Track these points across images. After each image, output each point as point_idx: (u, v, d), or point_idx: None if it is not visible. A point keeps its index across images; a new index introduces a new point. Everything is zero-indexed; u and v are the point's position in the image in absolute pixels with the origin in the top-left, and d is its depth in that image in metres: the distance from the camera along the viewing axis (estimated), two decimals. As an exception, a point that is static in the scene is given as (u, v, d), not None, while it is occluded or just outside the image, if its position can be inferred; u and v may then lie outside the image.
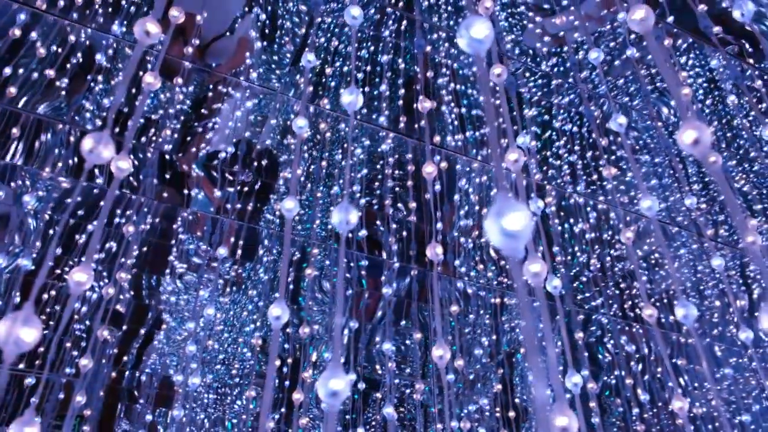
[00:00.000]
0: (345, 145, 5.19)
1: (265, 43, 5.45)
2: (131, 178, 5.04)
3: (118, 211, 5.09)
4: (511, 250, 0.89)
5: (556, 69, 5.72)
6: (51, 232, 5.19)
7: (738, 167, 5.86)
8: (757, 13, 5.13)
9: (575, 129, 5.99)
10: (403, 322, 6.08)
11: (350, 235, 5.71)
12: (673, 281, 6.47)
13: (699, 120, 1.35)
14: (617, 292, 6.65)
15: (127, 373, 5.90)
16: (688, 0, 3.66)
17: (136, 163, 5.05)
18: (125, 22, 4.70)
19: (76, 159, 4.98)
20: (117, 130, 4.68)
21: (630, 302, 6.64)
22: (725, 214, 5.65)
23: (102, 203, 4.89)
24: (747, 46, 5.04)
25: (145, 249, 5.57)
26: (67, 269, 5.21)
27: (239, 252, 5.33)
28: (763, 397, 5.93)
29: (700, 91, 5.36)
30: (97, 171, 4.89)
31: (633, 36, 4.92)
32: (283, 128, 5.52)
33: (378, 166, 5.62)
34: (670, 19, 4.74)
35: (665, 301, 6.87)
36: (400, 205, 5.73)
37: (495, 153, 1.00)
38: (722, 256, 6.02)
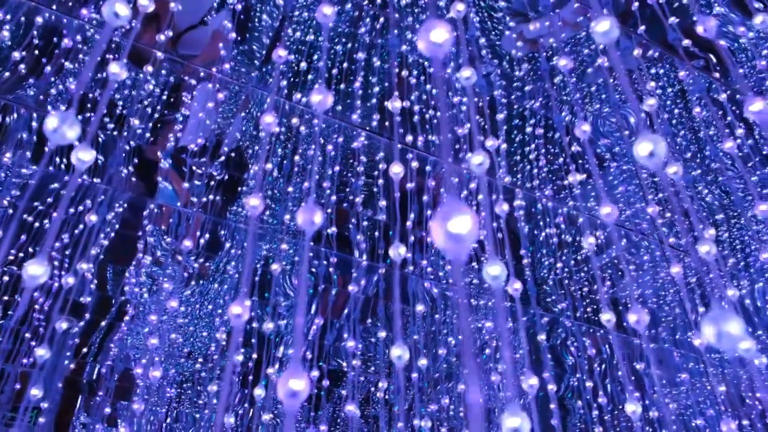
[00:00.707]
0: (319, 141, 5.18)
1: (239, 36, 5.40)
2: (98, 166, 4.94)
3: (88, 202, 4.99)
4: (455, 253, 0.90)
5: (531, 73, 5.78)
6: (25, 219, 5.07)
7: (704, 177, 6.00)
8: (725, 29, 5.26)
9: (547, 133, 6.06)
10: (369, 321, 6.09)
11: (320, 231, 5.70)
12: (636, 287, 6.59)
13: (655, 133, 1.38)
14: (581, 295, 6.76)
15: (87, 365, 5.80)
16: (658, 12, 3.74)
17: (101, 157, 4.96)
18: (94, 7, 4.61)
19: (40, 144, 4.88)
20: (88, 116, 4.59)
21: (594, 306, 6.76)
22: (688, 222, 5.77)
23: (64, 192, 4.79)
24: (714, 59, 5.17)
25: (110, 240, 5.47)
26: (27, 257, 5.10)
27: (206, 245, 5.27)
28: (716, 402, 6.09)
29: (668, 102, 5.47)
30: (58, 159, 4.80)
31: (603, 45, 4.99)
32: (255, 122, 5.48)
33: (353, 164, 5.62)
34: (642, 28, 4.82)
35: (629, 306, 7.00)
36: (374, 204, 5.74)
37: (445, 156, 1.01)
38: (684, 264, 6.17)
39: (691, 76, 3.70)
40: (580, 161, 5.66)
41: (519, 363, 6.21)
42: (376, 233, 5.42)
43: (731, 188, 5.13)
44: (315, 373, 3.98)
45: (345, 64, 5.38)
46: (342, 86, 5.24)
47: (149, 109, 5.29)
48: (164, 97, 5.41)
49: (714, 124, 4.45)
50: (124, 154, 5.16)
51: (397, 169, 2.79)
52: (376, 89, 5.49)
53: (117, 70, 1.85)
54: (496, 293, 1.77)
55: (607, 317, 2.94)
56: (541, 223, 6.41)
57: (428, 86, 5.67)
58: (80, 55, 4.90)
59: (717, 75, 5.17)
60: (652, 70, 5.22)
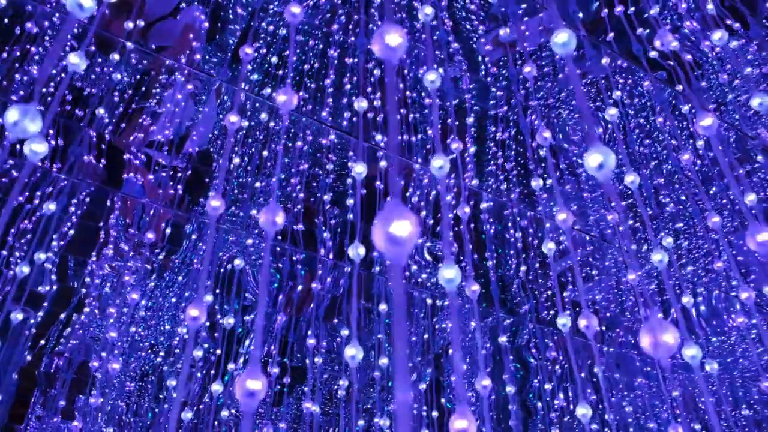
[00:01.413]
0: (288, 136, 5.16)
1: (209, 31, 5.34)
2: (58, 153, 4.84)
3: (49, 191, 4.89)
4: (394, 256, 0.92)
5: (500, 78, 5.85)
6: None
7: (666, 186, 6.13)
8: (689, 40, 5.38)
9: (518, 137, 6.13)
10: (336, 319, 6.09)
11: (287, 227, 5.67)
12: (599, 291, 6.73)
13: (610, 142, 1.41)
14: (546, 298, 6.86)
15: (44, 357, 5.69)
16: (624, 23, 3.81)
17: (60, 143, 4.86)
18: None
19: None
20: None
21: (557, 309, 6.85)
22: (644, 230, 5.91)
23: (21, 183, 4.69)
24: (681, 71, 5.28)
25: (72, 230, 5.37)
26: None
27: (170, 238, 5.21)
28: (670, 406, 6.25)
29: (634, 111, 5.58)
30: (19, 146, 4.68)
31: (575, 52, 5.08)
32: (222, 116, 5.44)
33: (322, 161, 5.61)
34: (611, 35, 4.91)
35: (592, 310, 7.13)
36: (344, 202, 5.73)
37: (392, 160, 1.02)
38: (644, 270, 6.31)
39: (654, 88, 3.79)
40: (547, 166, 5.74)
41: (479, 365, 6.27)
42: (344, 232, 5.43)
43: (690, 198, 5.27)
44: (275, 370, 3.98)
45: (317, 61, 5.36)
46: (312, 83, 5.23)
47: (117, 99, 5.21)
48: (132, 87, 5.33)
49: (673, 135, 4.57)
50: (88, 144, 5.07)
51: (359, 169, 2.80)
52: (348, 87, 5.49)
53: (76, 60, 1.83)
54: (450, 296, 1.80)
55: (563, 321, 3.01)
56: (510, 226, 6.48)
57: (401, 86, 5.70)
58: (46, 39, 4.80)
59: (680, 87, 5.29)
60: (621, 79, 5.32)
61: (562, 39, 1.65)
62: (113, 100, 5.14)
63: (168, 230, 5.51)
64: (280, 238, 5.54)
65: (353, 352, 2.16)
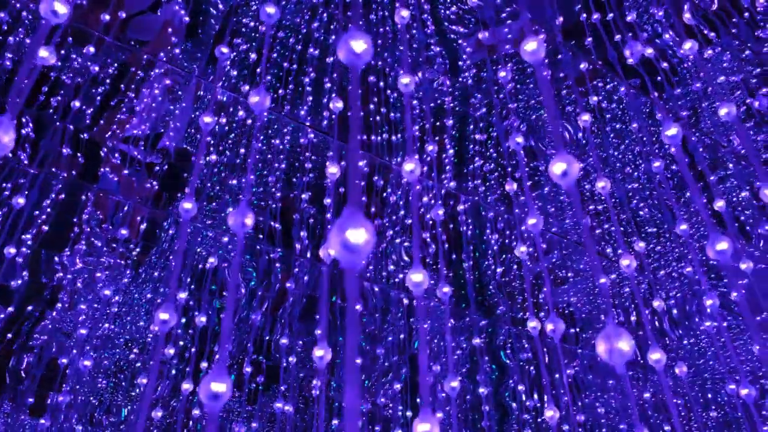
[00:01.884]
0: (266, 134, 5.13)
1: (189, 26, 5.31)
2: (31, 147, 4.78)
3: (21, 182, 4.81)
4: (349, 263, 0.92)
5: (476, 80, 5.88)
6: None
7: (639, 192, 6.23)
8: (669, 47, 5.47)
9: (495, 139, 6.18)
10: (311, 318, 6.08)
11: (264, 226, 5.66)
12: (573, 293, 6.80)
13: (568, 153, 1.44)
14: (522, 300, 6.92)
15: (13, 352, 5.59)
16: (601, 30, 3.86)
17: (28, 135, 4.79)
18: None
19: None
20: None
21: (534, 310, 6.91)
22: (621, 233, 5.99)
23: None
24: (657, 78, 5.37)
25: (44, 225, 5.29)
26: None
27: (144, 235, 5.17)
28: (639, 408, 6.35)
29: (610, 116, 5.66)
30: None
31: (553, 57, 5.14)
32: (199, 113, 5.40)
33: (300, 160, 5.59)
34: (590, 40, 4.97)
35: (567, 312, 7.21)
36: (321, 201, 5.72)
37: (353, 165, 1.03)
38: (616, 274, 6.40)
39: (628, 95, 3.85)
40: (526, 169, 5.79)
41: (454, 366, 6.32)
42: (323, 231, 5.42)
43: (662, 204, 5.36)
44: (248, 369, 3.97)
45: (296, 60, 5.35)
46: (291, 81, 5.21)
47: (93, 92, 5.14)
48: (110, 81, 5.27)
49: (645, 141, 4.64)
50: (61, 137, 5.00)
51: (332, 170, 2.81)
52: (328, 86, 5.48)
53: (45, 54, 1.81)
54: (417, 299, 1.81)
55: (533, 324, 3.04)
56: (488, 227, 6.52)
57: (382, 84, 5.70)
58: (20, 30, 4.73)
59: (656, 94, 5.38)
60: (600, 84, 5.39)
61: (532, 47, 1.68)
62: (89, 93, 5.08)
63: (143, 226, 5.46)
64: (261, 236, 5.53)
65: (321, 353, 2.17)
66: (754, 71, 4.97)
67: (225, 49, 2.41)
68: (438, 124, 6.20)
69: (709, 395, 7.39)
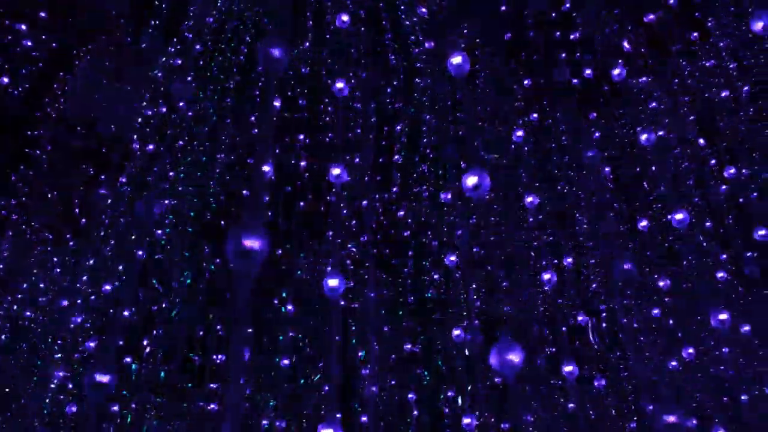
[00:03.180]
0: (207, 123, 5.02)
1: (141, 11, 5.16)
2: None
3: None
4: (243, 267, 0.92)
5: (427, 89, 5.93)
6: None
7: (578, 206, 6.40)
8: (605, 64, 5.64)
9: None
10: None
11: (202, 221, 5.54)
12: (506, 302, 6.93)
13: (481, 168, 1.47)
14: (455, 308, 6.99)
15: None
16: (542, 49, 3.97)
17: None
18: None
19: None
20: None
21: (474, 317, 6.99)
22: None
23: None
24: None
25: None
26: None
27: (76, 220, 4.99)
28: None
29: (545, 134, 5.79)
30: None
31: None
32: (142, 100, 5.24)
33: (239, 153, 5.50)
34: (534, 58, 5.09)
35: (502, 320, 7.34)
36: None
37: (256, 170, 1.03)
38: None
39: (564, 112, 3.96)
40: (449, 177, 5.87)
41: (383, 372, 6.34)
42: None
43: (591, 220, 5.54)
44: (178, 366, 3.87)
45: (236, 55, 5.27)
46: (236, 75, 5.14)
47: (26, 71, 4.93)
48: (49, 61, 5.07)
49: (579, 159, 4.78)
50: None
51: (265, 168, 2.79)
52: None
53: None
54: (332, 303, 1.81)
55: (456, 333, 3.08)
56: (428, 234, 6.58)
57: (329, 82, 5.68)
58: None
59: (595, 114, 5.56)
60: (541, 102, 5.50)
61: (457, 60, 1.72)
62: (22, 71, 4.87)
63: (76, 211, 5.27)
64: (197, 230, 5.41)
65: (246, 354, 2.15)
66: (667, 103, 5.17)
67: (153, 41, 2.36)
68: (387, 128, 6.23)
69: (632, 406, 7.64)
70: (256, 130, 5.28)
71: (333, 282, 1.59)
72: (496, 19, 5.26)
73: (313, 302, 5.88)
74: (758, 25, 1.55)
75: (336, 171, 1.89)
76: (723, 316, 1.82)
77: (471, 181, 1.43)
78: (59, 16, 4.78)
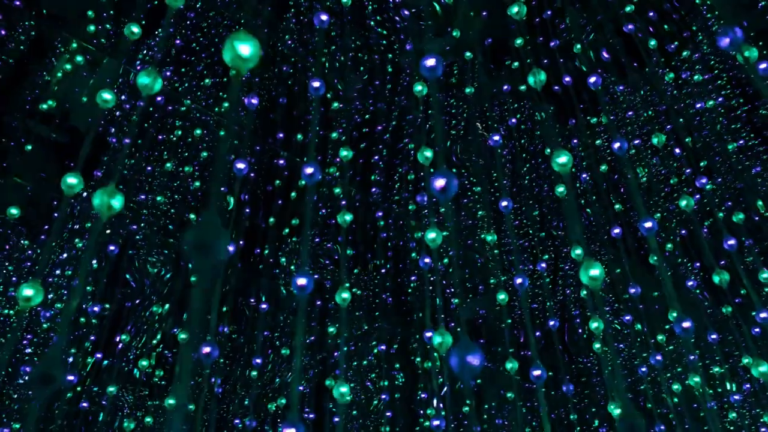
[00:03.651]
0: (180, 120, 4.99)
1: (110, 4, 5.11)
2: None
3: None
4: (202, 264, 0.92)
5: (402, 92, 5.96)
6: None
7: (548, 217, 6.47)
8: (582, 77, 5.71)
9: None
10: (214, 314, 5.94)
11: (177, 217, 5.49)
12: (478, 308, 6.98)
13: (447, 170, 1.48)
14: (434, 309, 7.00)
15: None
16: (521, 55, 3.99)
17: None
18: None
19: None
20: None
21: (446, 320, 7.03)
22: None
23: None
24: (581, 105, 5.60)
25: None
26: None
27: (44, 215, 4.92)
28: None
29: (524, 138, 5.86)
30: None
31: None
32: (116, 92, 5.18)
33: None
34: (516, 64, 5.13)
35: (477, 324, 7.40)
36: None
37: (216, 175, 1.03)
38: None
39: (542, 119, 3.99)
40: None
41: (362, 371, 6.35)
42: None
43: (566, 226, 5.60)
44: (148, 362, 3.83)
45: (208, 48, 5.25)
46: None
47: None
48: (21, 53, 4.99)
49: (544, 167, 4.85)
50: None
51: (240, 166, 2.77)
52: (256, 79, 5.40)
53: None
54: (299, 304, 1.81)
55: (428, 334, 3.09)
56: (408, 235, 6.60)
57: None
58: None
59: (574, 122, 5.63)
60: (516, 104, 5.56)
61: (431, 63, 1.73)
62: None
63: (46, 206, 5.19)
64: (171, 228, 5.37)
65: (208, 350, 2.14)
66: (647, 112, 5.27)
67: (136, 29, 2.33)
68: (367, 130, 6.25)
69: (598, 411, 7.73)
70: (236, 127, 5.25)
71: (301, 281, 1.59)
72: (479, 24, 5.31)
73: (289, 301, 5.87)
74: (725, 41, 1.58)
75: (309, 170, 1.89)
76: (686, 324, 1.85)
77: (439, 183, 1.45)
78: (34, 5, 4.71)
